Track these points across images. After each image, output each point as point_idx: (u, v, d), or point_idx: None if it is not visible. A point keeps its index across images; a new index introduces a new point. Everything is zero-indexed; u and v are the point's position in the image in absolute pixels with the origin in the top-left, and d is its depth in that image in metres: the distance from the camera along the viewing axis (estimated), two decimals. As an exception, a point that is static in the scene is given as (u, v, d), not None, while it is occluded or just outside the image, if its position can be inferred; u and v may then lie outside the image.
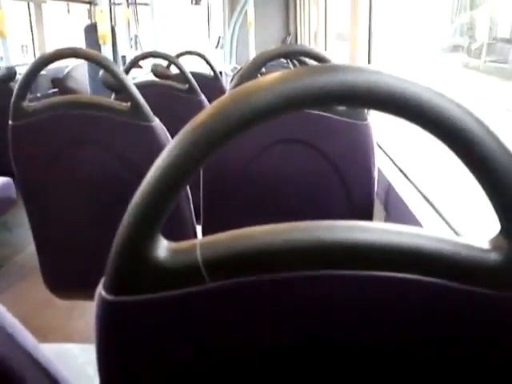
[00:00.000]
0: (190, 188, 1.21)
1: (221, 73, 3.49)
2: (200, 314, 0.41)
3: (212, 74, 2.71)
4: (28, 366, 0.42)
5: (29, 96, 1.21)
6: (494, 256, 0.38)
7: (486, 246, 0.38)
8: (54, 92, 3.73)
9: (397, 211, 1.23)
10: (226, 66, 5.15)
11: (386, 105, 0.36)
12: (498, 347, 0.41)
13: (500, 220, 0.38)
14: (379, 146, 1.57)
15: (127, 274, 0.39)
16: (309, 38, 4.53)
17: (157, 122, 1.17)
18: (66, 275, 1.34)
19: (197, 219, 1.27)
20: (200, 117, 0.37)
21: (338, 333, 0.42)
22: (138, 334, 0.41)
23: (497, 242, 0.38)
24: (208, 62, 2.77)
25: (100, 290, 0.40)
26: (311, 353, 0.43)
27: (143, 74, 4.02)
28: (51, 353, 0.45)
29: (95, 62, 1.22)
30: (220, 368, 0.43)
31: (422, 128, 0.36)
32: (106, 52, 2.53)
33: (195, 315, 0.41)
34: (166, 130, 1.19)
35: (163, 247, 0.39)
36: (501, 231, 0.38)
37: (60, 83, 3.88)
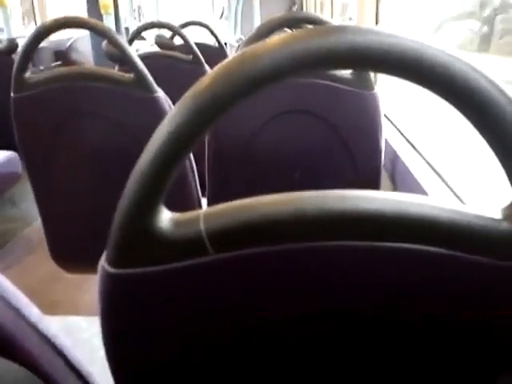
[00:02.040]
0: (196, 160, 1.20)
1: (226, 44, 3.44)
2: (204, 286, 0.40)
3: (217, 44, 2.67)
4: (33, 338, 0.41)
5: (32, 69, 1.19)
6: (506, 225, 0.37)
7: (497, 215, 0.37)
8: (57, 65, 3.69)
9: (404, 182, 1.22)
10: (231, 37, 5.07)
11: (397, 68, 0.34)
12: (505, 318, 0.40)
13: None
14: (386, 117, 1.55)
15: (129, 246, 0.38)
16: (315, 7, 4.43)
17: (160, 93, 1.15)
18: (72, 248, 1.35)
19: (202, 191, 1.26)
20: (203, 82, 0.35)
21: (346, 304, 0.41)
22: (140, 306, 0.41)
23: (509, 211, 0.37)
24: (212, 33, 2.73)
25: (102, 262, 0.40)
26: (319, 324, 0.42)
27: (147, 45, 3.96)
28: (58, 325, 0.45)
29: (97, 31, 1.20)
30: (224, 340, 0.42)
31: (434, 92, 0.35)
32: (109, 23, 2.49)
33: (199, 287, 0.40)
34: (169, 100, 1.18)
35: (166, 218, 0.38)
36: None
37: (63, 56, 3.84)
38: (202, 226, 0.38)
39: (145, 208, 0.37)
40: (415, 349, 0.43)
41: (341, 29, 0.34)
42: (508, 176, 0.36)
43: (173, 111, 0.36)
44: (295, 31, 0.35)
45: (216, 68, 0.36)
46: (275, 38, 0.35)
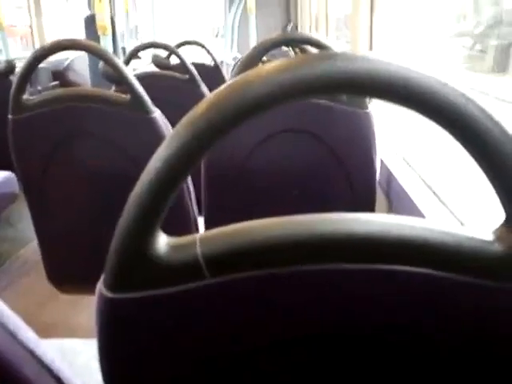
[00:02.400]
0: (192, 180, 1.21)
1: (222, 62, 3.47)
2: (201, 310, 0.40)
3: (213, 63, 2.69)
4: (30, 363, 0.41)
5: (29, 89, 1.20)
6: (496, 247, 0.37)
7: (489, 237, 0.38)
8: (54, 85, 3.72)
9: (399, 200, 1.22)
10: (227, 55, 5.12)
11: (387, 94, 0.35)
12: (499, 339, 0.40)
13: (505, 210, 0.37)
14: (381, 136, 1.56)
15: (126, 270, 0.38)
16: (310, 25, 4.49)
17: (157, 114, 1.16)
18: (68, 270, 1.34)
19: (199, 211, 1.27)
20: (198, 108, 0.36)
21: (341, 327, 0.41)
22: (138, 330, 0.41)
23: (500, 232, 0.38)
24: (208, 52, 2.75)
25: (100, 286, 0.40)
26: (314, 348, 0.43)
27: (144, 65, 4.00)
28: (54, 348, 0.45)
29: (94, 53, 1.21)
30: (222, 364, 0.42)
31: (425, 116, 0.36)
32: (106, 43, 2.52)
33: (196, 311, 0.40)
34: (167, 121, 1.19)
35: (163, 243, 0.39)
36: (505, 222, 0.38)
37: (60, 76, 3.87)
38: (198, 250, 0.38)
39: (142, 233, 0.37)
40: (409, 370, 0.43)
41: (329, 56, 0.35)
42: (499, 197, 0.37)
43: (170, 136, 0.37)
44: (284, 59, 0.36)
45: (211, 95, 0.37)
46: (265, 67, 0.36)
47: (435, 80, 0.35)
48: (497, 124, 0.35)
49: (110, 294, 0.39)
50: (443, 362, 0.41)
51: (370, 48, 1.67)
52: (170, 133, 0.37)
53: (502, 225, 0.38)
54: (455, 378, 0.42)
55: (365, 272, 0.39)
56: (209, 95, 0.37)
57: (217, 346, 0.42)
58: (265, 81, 0.35)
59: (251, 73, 0.36)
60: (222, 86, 0.37)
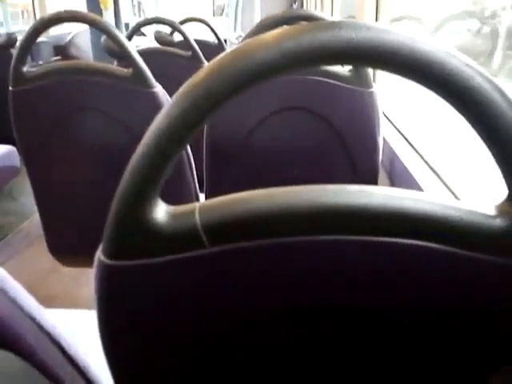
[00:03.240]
0: (194, 157, 1.21)
1: (225, 41, 3.43)
2: (199, 279, 0.40)
3: (216, 41, 2.66)
4: (31, 329, 0.42)
5: (31, 63, 1.19)
6: (499, 222, 0.37)
7: (491, 211, 0.38)
8: (56, 60, 3.69)
9: (402, 180, 1.22)
10: (231, 34, 5.06)
11: (391, 64, 0.34)
12: (499, 315, 0.40)
13: (508, 185, 0.37)
14: (385, 115, 1.55)
15: (125, 237, 0.38)
16: (315, 3, 4.42)
17: (159, 88, 1.15)
18: (69, 242, 1.35)
19: (201, 189, 1.26)
20: (198, 76, 0.36)
21: (340, 299, 0.41)
22: (136, 297, 0.41)
23: (503, 207, 0.37)
24: (212, 29, 2.72)
25: (99, 254, 0.40)
26: (313, 319, 0.43)
27: (146, 42, 3.95)
28: (56, 318, 0.45)
29: (95, 26, 1.20)
30: (219, 332, 0.43)
31: (429, 89, 0.35)
32: (108, 18, 2.48)
33: (194, 280, 0.40)
34: (168, 96, 1.18)
35: (162, 211, 0.38)
36: (508, 197, 0.37)
37: (62, 51, 3.83)
38: (197, 219, 0.38)
39: (140, 200, 0.37)
40: (409, 344, 0.43)
41: (333, 25, 0.34)
42: (503, 173, 0.37)
43: (169, 105, 0.36)
44: (286, 28, 0.36)
45: (210, 63, 0.36)
46: (268, 35, 0.35)
47: (443, 50, 0.34)
48: (505, 98, 0.34)
49: (108, 262, 0.39)
50: (443, 335, 0.42)
51: (376, 20, 1.65)
52: (169, 101, 0.37)
53: (505, 200, 0.38)
54: (455, 350, 0.42)
55: (365, 244, 0.38)
56: (209, 63, 0.37)
57: (215, 315, 0.42)
58: (266, 48, 0.34)
59: (253, 41, 0.36)
60: (223, 54, 0.37)
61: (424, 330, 0.42)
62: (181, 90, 0.36)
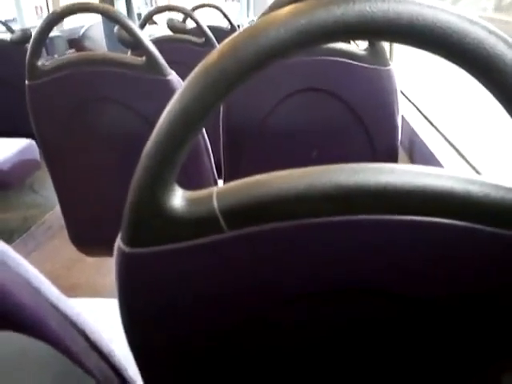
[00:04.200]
0: (211, 142, 1.20)
1: (238, 26, 3.40)
2: (219, 263, 0.40)
3: (229, 27, 2.64)
4: (56, 317, 0.42)
5: (46, 57, 1.20)
6: None
7: None
8: (70, 53, 3.71)
9: (422, 159, 1.20)
10: (244, 19, 5.01)
11: (410, 36, 0.33)
12: None
13: None
14: (403, 94, 1.52)
15: (143, 225, 0.38)
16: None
17: (173, 76, 1.15)
18: (91, 232, 1.36)
19: (219, 175, 1.26)
20: (212, 57, 0.35)
21: (364, 280, 0.41)
22: (156, 284, 0.41)
23: None
24: (225, 15, 2.70)
25: (118, 242, 0.40)
26: (337, 301, 0.42)
27: (159, 30, 3.95)
28: (80, 307, 0.46)
29: (108, 16, 1.20)
30: (241, 318, 0.42)
31: (451, 61, 0.34)
32: (120, 7, 2.48)
33: (214, 264, 0.40)
34: (182, 83, 1.17)
35: (179, 196, 0.38)
36: None
37: (76, 44, 3.85)
38: (215, 204, 0.37)
39: (157, 186, 0.37)
40: (432, 323, 0.42)
41: None
42: None
43: (183, 87, 0.36)
44: (299, 3, 0.34)
45: (223, 43, 0.35)
46: (281, 12, 0.34)
47: (464, 18, 0.32)
48: None
49: (127, 249, 0.39)
50: (470, 316, 0.41)
51: None
52: (182, 84, 0.36)
53: None
54: (478, 328, 0.41)
55: (388, 223, 0.38)
56: (222, 43, 0.36)
57: (236, 300, 0.42)
58: (280, 26, 0.33)
59: (265, 19, 0.35)
60: (236, 33, 0.36)
61: (450, 310, 0.41)
62: (195, 71, 0.35)
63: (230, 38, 0.35)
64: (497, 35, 0.32)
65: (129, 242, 0.39)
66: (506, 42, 0.32)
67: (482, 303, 0.40)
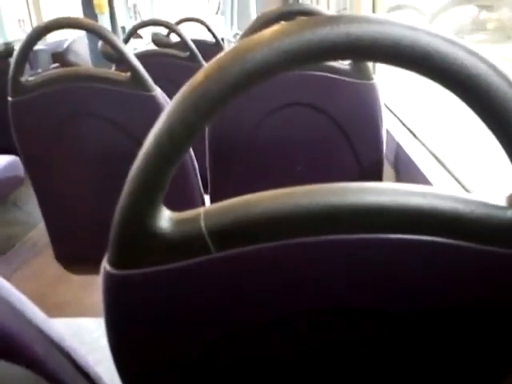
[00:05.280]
0: (197, 157, 1.20)
1: (223, 39, 3.42)
2: (207, 285, 0.40)
3: (214, 40, 2.66)
4: (40, 341, 0.41)
5: (30, 72, 1.19)
6: (511, 213, 0.36)
7: (502, 203, 0.37)
8: (54, 67, 3.69)
9: (407, 172, 1.21)
10: (228, 32, 5.05)
11: (393, 57, 0.33)
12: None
13: None
14: (387, 107, 1.54)
15: (129, 246, 0.38)
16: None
17: (158, 92, 1.15)
18: (76, 250, 1.35)
19: (205, 189, 1.26)
20: (197, 78, 0.35)
21: (350, 299, 0.41)
22: (143, 306, 0.40)
23: None
24: (209, 28, 2.71)
25: (104, 263, 0.40)
26: (323, 320, 0.42)
27: (144, 44, 3.95)
28: (65, 327, 0.45)
29: (91, 31, 1.19)
30: (229, 338, 0.42)
31: (434, 80, 0.34)
32: (104, 22, 2.48)
33: (202, 286, 0.40)
34: (167, 99, 1.17)
35: (166, 217, 0.38)
36: None
37: (60, 58, 3.83)
38: (202, 225, 0.37)
39: (144, 207, 0.37)
40: (419, 342, 0.42)
41: (332, 19, 0.33)
42: None
43: (168, 108, 0.35)
44: (284, 24, 0.35)
45: (209, 64, 0.35)
46: (266, 32, 0.34)
47: (445, 39, 0.33)
48: (509, 82, 0.33)
49: (114, 271, 0.39)
50: (455, 332, 0.41)
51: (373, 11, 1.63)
52: (168, 105, 0.36)
53: None
54: (465, 344, 0.42)
55: (374, 242, 0.38)
56: (207, 64, 0.36)
57: (223, 320, 0.42)
58: (265, 47, 0.33)
59: (251, 40, 0.35)
60: (221, 54, 0.36)
61: (435, 327, 0.41)
62: (180, 92, 0.35)
63: (216, 58, 0.35)
64: (476, 55, 0.33)
65: (115, 263, 0.39)
66: (485, 61, 0.33)
67: (467, 320, 0.40)
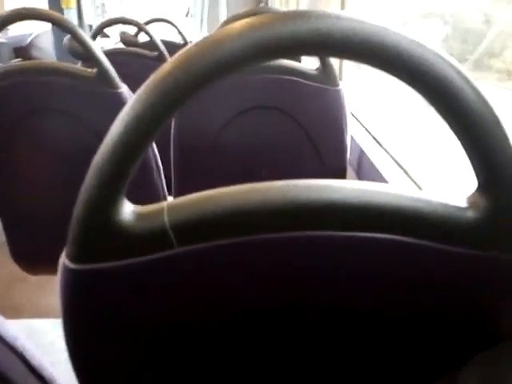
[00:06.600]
0: (161, 159, 1.19)
1: (191, 42, 3.40)
2: (169, 281, 0.39)
3: (182, 42, 2.64)
4: None
5: None
6: (471, 214, 0.37)
7: (463, 203, 0.38)
8: (16, 62, 3.57)
9: (370, 178, 1.23)
10: (197, 35, 5.03)
11: (361, 54, 0.34)
12: (472, 305, 0.41)
13: (477, 176, 0.37)
14: (352, 115, 1.56)
15: (89, 240, 0.37)
16: (280, 2, 4.44)
17: (124, 89, 1.13)
18: (34, 249, 1.30)
19: (169, 191, 1.24)
20: (165, 68, 0.34)
21: (311, 295, 0.41)
22: (103, 302, 0.39)
23: (474, 199, 0.38)
24: (178, 30, 2.70)
25: (63, 258, 0.38)
26: (286, 317, 0.42)
27: (111, 44, 3.88)
28: (21, 329, 0.43)
29: (58, 24, 1.16)
30: (192, 333, 0.42)
31: (400, 79, 0.35)
32: (70, 18, 2.42)
33: (164, 282, 0.39)
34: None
35: (128, 211, 0.37)
36: (478, 188, 0.38)
37: (23, 52, 3.71)
38: (165, 219, 0.37)
39: (105, 200, 0.36)
40: (379, 339, 0.43)
41: (302, 14, 0.33)
42: (472, 164, 0.37)
43: (134, 97, 0.35)
44: (254, 17, 0.35)
45: (177, 54, 0.35)
46: (237, 24, 0.34)
47: (414, 41, 0.34)
48: (475, 89, 0.34)
49: (72, 266, 0.37)
50: (417, 329, 0.42)
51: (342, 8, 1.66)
52: (133, 96, 0.35)
53: (475, 191, 0.38)
54: (429, 344, 0.42)
55: (336, 239, 0.38)
56: (174, 55, 0.35)
57: (185, 317, 0.41)
58: (235, 38, 0.33)
59: (220, 32, 0.34)
60: (189, 46, 0.35)
61: (396, 325, 0.42)
62: (147, 81, 0.35)
63: (184, 49, 0.35)
64: (443, 58, 0.34)
65: (74, 257, 0.37)
66: (452, 65, 0.34)
67: (430, 320, 0.41)
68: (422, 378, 0.43)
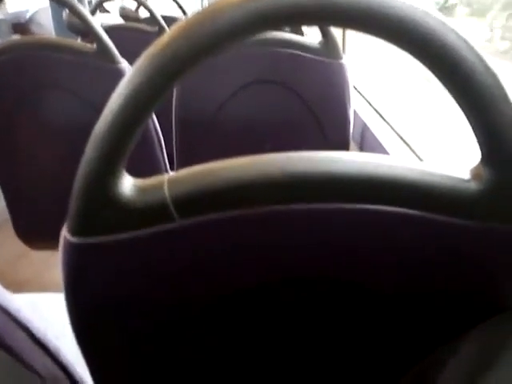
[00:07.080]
0: (163, 133, 1.18)
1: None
2: (170, 253, 0.39)
3: (183, 17, 2.60)
4: None
5: None
6: (474, 185, 0.37)
7: (466, 175, 0.37)
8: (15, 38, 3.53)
9: (373, 152, 1.23)
10: (198, 9, 4.95)
11: (365, 23, 0.33)
12: (475, 277, 0.40)
13: (480, 147, 0.36)
14: (355, 89, 1.54)
15: (90, 213, 0.37)
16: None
17: (125, 64, 1.12)
18: (37, 225, 1.31)
19: (171, 166, 1.24)
20: (163, 39, 0.34)
21: (314, 268, 0.41)
22: (104, 275, 0.40)
23: (477, 171, 0.37)
24: (178, 4, 2.66)
25: (64, 231, 0.38)
26: (288, 290, 0.42)
27: (111, 19, 3.83)
28: (26, 303, 0.43)
29: (57, 0, 1.14)
30: (193, 306, 0.42)
31: (403, 49, 0.34)
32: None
33: (165, 254, 0.39)
34: None
35: (129, 184, 0.37)
36: (481, 160, 0.37)
37: (22, 28, 3.67)
38: (166, 192, 0.37)
39: (105, 173, 0.36)
40: (382, 313, 0.43)
41: None
42: (475, 134, 0.36)
43: (132, 70, 0.34)
44: None
45: (176, 25, 0.34)
46: None
47: (419, 10, 0.32)
48: (479, 57, 0.33)
49: (73, 239, 0.37)
50: (420, 302, 0.42)
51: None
52: (132, 67, 0.35)
53: (478, 163, 0.37)
54: (432, 316, 0.42)
55: (340, 212, 0.38)
56: (174, 26, 0.35)
57: (189, 288, 0.41)
58: (235, 8, 0.32)
59: (221, 1, 0.34)
60: (189, 16, 0.35)
61: (401, 297, 0.42)
62: (145, 53, 0.34)
63: (184, 20, 0.34)
64: (448, 26, 0.33)
65: (75, 231, 0.37)
66: (456, 33, 0.33)
67: (430, 292, 0.41)
68: (426, 348, 0.43)
